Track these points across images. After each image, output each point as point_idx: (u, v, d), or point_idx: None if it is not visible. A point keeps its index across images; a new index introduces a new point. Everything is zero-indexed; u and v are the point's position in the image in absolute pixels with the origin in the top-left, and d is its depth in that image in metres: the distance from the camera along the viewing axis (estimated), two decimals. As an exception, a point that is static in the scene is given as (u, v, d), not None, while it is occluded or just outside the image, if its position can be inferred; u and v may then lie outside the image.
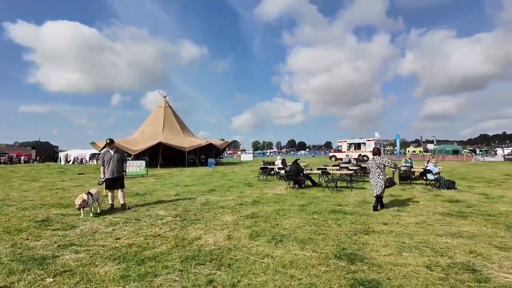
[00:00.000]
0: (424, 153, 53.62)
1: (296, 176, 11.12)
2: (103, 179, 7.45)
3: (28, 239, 4.95)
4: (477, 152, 55.76)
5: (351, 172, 11.91)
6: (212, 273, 3.51)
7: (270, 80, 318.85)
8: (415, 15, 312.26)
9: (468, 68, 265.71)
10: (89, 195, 6.69)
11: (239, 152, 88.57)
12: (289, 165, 13.44)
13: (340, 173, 12.21)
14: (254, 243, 4.62)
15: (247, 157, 52.03)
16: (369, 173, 17.14)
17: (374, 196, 7.46)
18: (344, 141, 36.56)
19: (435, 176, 10.93)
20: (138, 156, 25.04)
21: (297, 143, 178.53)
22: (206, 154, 33.21)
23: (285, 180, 12.76)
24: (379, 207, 7.19)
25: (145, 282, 3.31)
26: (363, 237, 4.88)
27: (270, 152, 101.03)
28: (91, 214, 6.71)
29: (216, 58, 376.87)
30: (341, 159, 27.09)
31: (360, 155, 27.76)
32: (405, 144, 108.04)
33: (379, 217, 6.26)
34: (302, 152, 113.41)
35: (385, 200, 8.12)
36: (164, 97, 35.82)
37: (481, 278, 3.28)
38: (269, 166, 15.70)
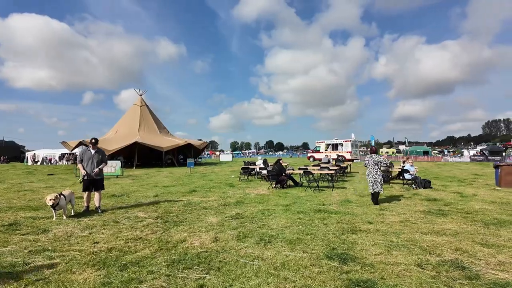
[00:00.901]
0: (396, 154, 55.60)
1: (278, 176, 11.08)
2: (84, 175, 6.91)
3: (-7, 245, 4.51)
4: (446, 153, 58.64)
5: (332, 172, 12.03)
6: (201, 277, 3.33)
7: (248, 80, 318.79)
8: (388, 21, 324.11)
9: (436, 73, 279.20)
10: (61, 196, 6.25)
11: (217, 153, 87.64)
12: (270, 165, 13.40)
13: (320, 173, 12.29)
14: (242, 245, 4.47)
15: (226, 157, 51.75)
16: (348, 173, 17.53)
17: (371, 192, 7.67)
18: (322, 142, 37.13)
19: (412, 176, 11.26)
20: (112, 156, 24.07)
21: (275, 143, 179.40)
22: (185, 154, 32.56)
23: (266, 180, 12.70)
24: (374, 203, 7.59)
25: (130, 289, 3.07)
26: (351, 236, 4.86)
27: (248, 153, 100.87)
28: (64, 217, 6.26)
29: (194, 58, 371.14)
30: (319, 159, 27.49)
31: (338, 155, 28.26)
32: (378, 145, 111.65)
33: (364, 216, 6.31)
34: (280, 152, 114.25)
35: (366, 199, 8.25)
36: (140, 95, 34.70)
37: (471, 275, 3.32)
38: (250, 166, 15.57)
